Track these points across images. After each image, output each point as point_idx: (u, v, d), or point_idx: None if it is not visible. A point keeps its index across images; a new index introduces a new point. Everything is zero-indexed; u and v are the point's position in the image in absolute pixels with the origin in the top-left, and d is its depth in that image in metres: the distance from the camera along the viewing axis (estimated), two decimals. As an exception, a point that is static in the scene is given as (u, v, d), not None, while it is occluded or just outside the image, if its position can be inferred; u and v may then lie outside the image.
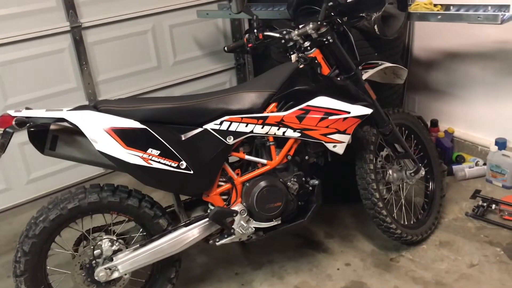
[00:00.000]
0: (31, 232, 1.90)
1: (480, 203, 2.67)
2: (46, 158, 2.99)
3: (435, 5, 2.54)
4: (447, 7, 2.57)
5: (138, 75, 3.52)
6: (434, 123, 3.24)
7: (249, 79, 4.06)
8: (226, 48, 2.39)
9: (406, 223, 2.49)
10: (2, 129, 1.79)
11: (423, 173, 2.48)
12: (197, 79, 3.83)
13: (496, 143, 2.95)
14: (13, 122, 1.74)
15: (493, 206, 2.63)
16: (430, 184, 2.65)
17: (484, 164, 3.04)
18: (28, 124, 1.79)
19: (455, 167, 3.04)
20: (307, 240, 2.62)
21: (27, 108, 1.89)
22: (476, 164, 3.05)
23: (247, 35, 2.28)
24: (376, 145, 2.35)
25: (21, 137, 3.04)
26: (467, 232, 2.55)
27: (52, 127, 1.95)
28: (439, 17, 2.42)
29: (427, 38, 3.22)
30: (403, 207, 2.51)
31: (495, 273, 2.25)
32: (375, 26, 2.36)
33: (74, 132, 1.99)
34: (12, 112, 1.81)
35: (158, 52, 3.58)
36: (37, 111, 1.85)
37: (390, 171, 2.47)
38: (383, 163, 2.48)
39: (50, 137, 1.95)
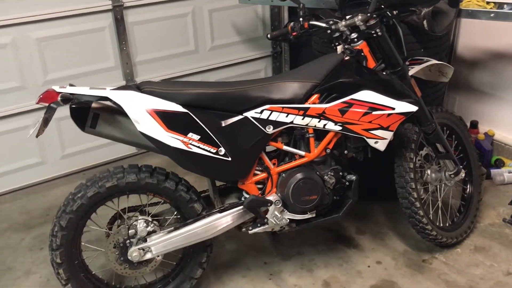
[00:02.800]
0: (69, 207, 1.92)
1: (519, 210, 2.60)
2: (81, 134, 3.03)
3: (487, 3, 2.45)
4: (500, 5, 2.47)
5: (175, 58, 3.52)
6: (474, 125, 3.15)
7: (285, 68, 4.02)
8: (269, 36, 2.35)
9: (441, 225, 2.43)
10: (47, 104, 1.81)
11: (463, 175, 2.41)
12: (233, 66, 3.81)
13: (539, 149, 2.85)
14: (59, 98, 1.75)
15: (533, 214, 2.56)
16: (468, 186, 2.58)
17: (525, 170, 2.95)
18: (72, 101, 1.79)
19: (493, 171, 2.96)
20: (338, 235, 2.59)
21: (70, 85, 1.90)
22: (516, 170, 2.96)
23: (291, 24, 2.24)
24: (417, 144, 2.29)
25: (58, 112, 3.07)
26: (504, 238, 2.48)
27: (93, 105, 1.96)
28: (492, 15, 2.34)
29: (473, 36, 3.11)
30: (440, 209, 2.45)
31: (532, 283, 2.19)
32: (424, 22, 2.29)
33: (115, 111, 2.00)
34: (57, 88, 1.82)
35: (197, 36, 3.56)
36: (81, 88, 1.85)
37: (429, 171, 2.41)
38: (422, 162, 2.42)
39: (91, 115, 1.96)
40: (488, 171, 2.94)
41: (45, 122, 1.81)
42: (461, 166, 2.40)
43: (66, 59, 3.12)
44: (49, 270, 2.43)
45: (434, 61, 2.32)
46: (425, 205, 2.35)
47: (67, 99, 1.77)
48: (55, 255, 1.95)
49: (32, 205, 3.05)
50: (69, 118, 1.94)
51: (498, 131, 3.16)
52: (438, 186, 2.45)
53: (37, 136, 1.83)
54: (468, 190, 2.58)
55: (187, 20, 3.48)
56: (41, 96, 1.81)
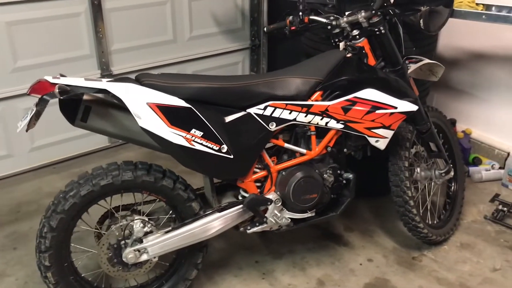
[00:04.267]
0: (60, 207, 1.79)
1: (500, 207, 2.67)
2: (52, 126, 2.89)
3: (477, 4, 2.49)
4: (488, 7, 2.51)
5: (152, 48, 3.39)
6: (452, 123, 3.22)
7: (262, 61, 3.97)
8: (265, 29, 2.29)
9: (430, 222, 2.46)
10: (39, 96, 1.67)
11: (453, 173, 2.45)
12: (211, 57, 3.72)
13: (516, 148, 2.95)
14: (56, 90, 1.61)
15: (513, 211, 2.64)
16: (453, 184, 2.63)
17: (500, 167, 3.05)
18: (69, 93, 1.66)
19: (472, 169, 3.04)
20: (327, 232, 2.57)
21: (61, 75, 1.76)
22: (492, 167, 3.05)
23: (290, 17, 2.19)
24: (411, 143, 2.31)
25: (26, 102, 2.90)
26: (487, 235, 2.55)
27: (85, 97, 1.83)
28: (484, 17, 2.38)
29: (454, 36, 3.17)
30: (428, 207, 2.48)
31: (518, 279, 2.26)
32: (421, 21, 2.29)
33: (108, 104, 1.88)
34: (50, 79, 1.69)
35: (175, 25, 3.44)
36: (76, 79, 1.73)
37: (418, 169, 2.43)
38: (412, 160, 2.44)
39: (82, 107, 1.83)
40: (467, 169, 3.01)
41: (37, 115, 1.68)
42: (451, 165, 2.44)
43: (37, 45, 2.93)
44: (25, 272, 2.29)
45: (427, 60, 2.33)
46: (416, 204, 2.37)
47: (64, 91, 1.64)
48: (43, 257, 1.81)
49: (0, 201, 2.85)
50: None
51: (475, 130, 3.25)
52: (426, 184, 2.48)
53: (27, 130, 1.69)
54: (453, 188, 2.63)
55: (166, 8, 3.36)
56: (33, 87, 1.67)
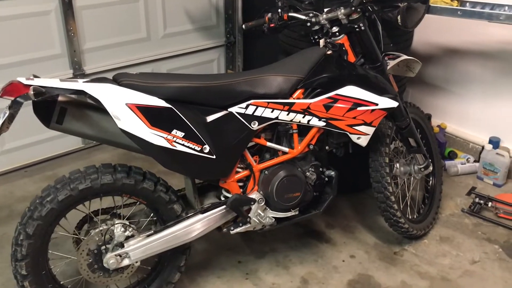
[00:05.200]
0: (37, 213, 1.72)
1: (477, 200, 2.72)
2: (22, 128, 2.80)
3: (452, 0, 2.52)
4: (462, 3, 2.55)
5: (126, 46, 3.31)
6: (428, 118, 3.26)
7: (238, 59, 3.93)
8: (244, 26, 2.26)
9: (410, 217, 2.49)
10: (11, 98, 1.60)
11: (431, 168, 2.48)
12: (186, 55, 3.66)
13: (490, 141, 3.01)
14: (31, 92, 1.55)
15: (489, 204, 2.69)
16: (431, 179, 2.66)
17: (475, 161, 3.10)
18: (44, 95, 1.60)
19: (448, 163, 3.08)
20: (308, 230, 2.57)
21: (34, 76, 1.70)
22: (467, 161, 3.10)
23: (269, 14, 2.17)
24: (391, 138, 2.32)
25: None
26: (465, 228, 2.59)
27: (60, 98, 1.77)
28: (460, 13, 2.40)
29: (427, 32, 3.21)
30: (408, 202, 2.51)
31: (496, 270, 2.30)
32: (399, 17, 2.30)
33: (85, 105, 1.82)
34: (23, 80, 1.61)
35: (149, 22, 3.37)
36: (51, 80, 1.66)
37: (398, 165, 2.45)
38: (391, 156, 2.46)
39: (58, 109, 1.77)
40: (443, 163, 3.06)
41: (10, 118, 1.61)
42: (430, 160, 2.46)
43: (5, 44, 2.81)
44: (0, 281, 2.20)
45: (405, 56, 2.35)
46: (396, 199, 2.38)
47: (39, 92, 1.57)
48: (19, 266, 1.75)
49: (-31, 207, 2.74)
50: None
51: (450, 124, 3.30)
52: (406, 179, 2.50)
53: (-1, 134, 1.62)
54: (431, 182, 2.66)
55: (139, 5, 3.28)
56: (5, 89, 1.59)
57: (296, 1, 2.58)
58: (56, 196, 1.73)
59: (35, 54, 2.95)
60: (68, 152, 3.27)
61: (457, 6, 2.48)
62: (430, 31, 3.16)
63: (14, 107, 1.60)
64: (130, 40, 3.32)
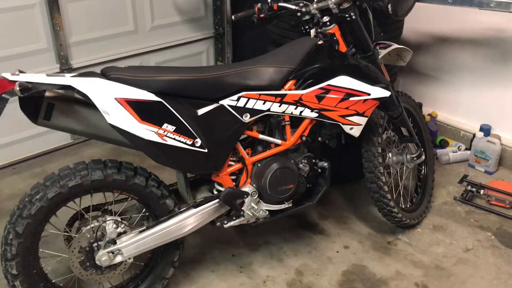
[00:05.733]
0: (26, 211, 1.69)
1: (469, 188, 2.73)
2: (10, 124, 2.75)
3: (442, -12, 2.50)
4: (452, -10, 2.53)
5: (113, 39, 3.26)
6: (419, 107, 3.25)
7: (227, 50, 3.89)
8: (233, 17, 2.23)
9: (403, 207, 2.49)
10: (-3, 95, 1.56)
11: (424, 157, 2.47)
12: (174, 47, 3.62)
13: (481, 129, 3.01)
14: (17, 87, 1.51)
15: (481, 191, 2.69)
16: (424, 168, 2.66)
17: (466, 149, 3.11)
18: (31, 91, 1.56)
19: (439, 151, 3.09)
20: (302, 221, 2.56)
21: (20, 71, 1.65)
22: (459, 149, 3.11)
23: (259, 5, 2.14)
24: (383, 128, 2.31)
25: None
26: (458, 216, 2.60)
27: (47, 94, 1.73)
28: (450, 0, 2.39)
29: (417, 20, 3.19)
30: (401, 191, 2.51)
31: (489, 257, 2.31)
32: (389, 5, 2.28)
33: (73, 100, 1.79)
34: (8, 76, 1.58)
35: (136, 15, 3.32)
36: (37, 76, 1.62)
37: (390, 155, 2.44)
38: (383, 146, 2.45)
39: (45, 105, 1.73)
40: (435, 151, 3.06)
41: (-4, 115, 1.56)
42: (422, 149, 2.46)
43: (-11, 39, 2.76)
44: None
45: (396, 45, 2.33)
46: (389, 189, 2.38)
47: (25, 88, 1.53)
48: (10, 266, 1.71)
49: (-43, 206, 2.69)
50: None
51: (441, 113, 3.30)
52: (398, 169, 2.50)
53: (-14, 132, 1.58)
54: (423, 171, 2.66)
55: (125, -3, 3.23)
56: (-11, 85, 1.55)
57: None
58: (46, 194, 1.70)
59: (21, 49, 2.89)
60: (57, 148, 3.23)
61: (447, -7, 2.46)
62: (420, 19, 3.15)
63: (0, 104, 1.56)
64: (117, 33, 3.27)
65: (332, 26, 2.03)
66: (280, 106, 1.91)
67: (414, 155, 2.41)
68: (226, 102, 1.84)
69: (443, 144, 3.16)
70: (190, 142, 1.78)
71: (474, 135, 3.05)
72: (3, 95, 1.55)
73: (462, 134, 3.20)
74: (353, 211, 2.65)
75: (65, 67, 3.06)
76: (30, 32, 2.89)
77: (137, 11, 3.31)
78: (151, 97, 1.70)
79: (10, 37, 2.81)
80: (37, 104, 1.72)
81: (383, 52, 2.24)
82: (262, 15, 2.13)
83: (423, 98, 3.33)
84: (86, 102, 1.70)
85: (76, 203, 1.83)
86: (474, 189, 2.71)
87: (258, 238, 2.43)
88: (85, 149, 3.26)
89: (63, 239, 1.95)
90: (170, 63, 3.62)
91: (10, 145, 3.01)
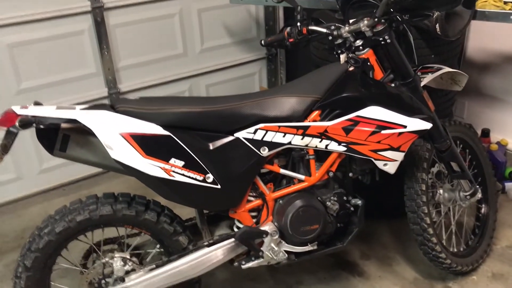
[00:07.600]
0: (34, 245, 1.67)
1: (540, 230, 2.37)
2: None
3: (505, 3, 2.21)
4: (517, 5, 2.22)
5: (162, 62, 3.27)
6: (486, 133, 2.92)
7: (280, 71, 3.78)
8: (263, 42, 2.09)
9: (455, 250, 2.20)
10: (5, 128, 1.56)
11: (480, 195, 2.17)
12: (225, 69, 3.57)
13: (558, 161, 2.62)
14: (16, 123, 1.49)
15: (555, 235, 2.33)
16: (483, 205, 2.35)
17: (541, 183, 2.72)
18: (34, 125, 1.54)
19: (508, 185, 2.73)
20: (340, 260, 2.35)
21: (35, 104, 1.65)
22: (532, 182, 2.73)
23: (288, 29, 1.99)
24: (429, 163, 2.05)
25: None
26: (524, 263, 2.26)
27: (63, 125, 1.71)
28: (515, 18, 2.09)
29: (484, 38, 2.88)
30: (453, 232, 2.22)
31: (559, 317, 1.96)
32: (437, 25, 2.05)
33: (88, 132, 1.75)
34: (17, 109, 1.57)
35: (185, 38, 3.31)
36: (46, 109, 1.60)
37: (441, 191, 2.17)
38: (433, 180, 2.19)
39: (60, 136, 1.71)
40: (502, 185, 2.71)
41: (4, 148, 1.56)
42: (478, 186, 2.16)
43: (41, 65, 2.86)
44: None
45: (447, 69, 2.08)
46: (437, 229, 2.11)
47: (27, 123, 1.51)
48: (19, 299, 1.70)
49: (6, 227, 2.79)
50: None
51: (511, 140, 2.93)
52: (451, 207, 2.21)
53: (-5, 165, 1.58)
54: (483, 209, 2.34)
55: (174, 21, 3.23)
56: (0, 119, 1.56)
57: (329, 11, 2.40)
58: (54, 228, 1.67)
59: (71, 74, 2.97)
60: (104, 171, 3.27)
61: (510, 9, 2.16)
62: (485, 37, 2.83)
63: (7, 138, 1.55)
64: (166, 56, 3.28)
65: (365, 50, 1.84)
66: (302, 139, 1.74)
67: (467, 193, 2.12)
68: (241, 134, 1.71)
69: (513, 177, 2.79)
70: (201, 178, 1.67)
71: (550, 168, 2.66)
72: (11, 128, 1.55)
73: (537, 166, 2.81)
74: (399, 251, 2.39)
75: (113, 91, 3.11)
76: (79, 57, 2.96)
77: (186, 34, 3.30)
78: (159, 130, 1.62)
79: (60, 62, 2.90)
80: (54, 135, 1.71)
81: (428, 77, 2.00)
82: (291, 40, 1.99)
83: (491, 124, 2.98)
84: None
85: (87, 237, 1.79)
86: (546, 232, 2.35)
87: (290, 277, 2.26)
88: (132, 172, 3.27)
89: (80, 273, 1.91)
90: (221, 85, 3.57)
91: (60, 167, 3.09)
